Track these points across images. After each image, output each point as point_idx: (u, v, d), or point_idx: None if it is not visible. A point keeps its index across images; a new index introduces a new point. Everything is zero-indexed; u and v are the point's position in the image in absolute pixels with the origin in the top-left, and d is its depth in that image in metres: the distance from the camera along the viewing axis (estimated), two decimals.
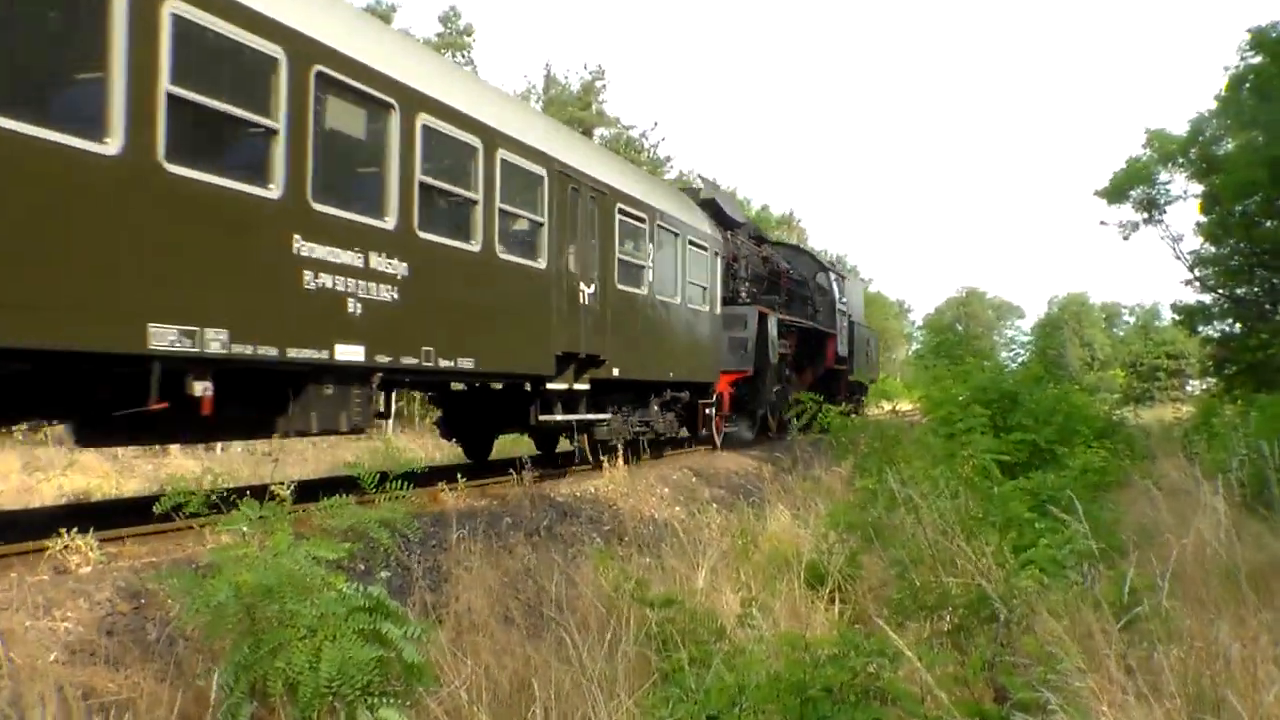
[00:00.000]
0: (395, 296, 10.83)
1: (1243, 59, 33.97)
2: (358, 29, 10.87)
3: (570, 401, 15.81)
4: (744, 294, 24.03)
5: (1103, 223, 45.83)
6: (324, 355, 9.81)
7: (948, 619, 7.16)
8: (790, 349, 26.14)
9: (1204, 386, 53.35)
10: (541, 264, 14.16)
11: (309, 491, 9.58)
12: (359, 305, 10.26)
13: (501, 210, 13.08)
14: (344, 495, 6.32)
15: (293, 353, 9.43)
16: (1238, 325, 39.83)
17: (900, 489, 8.05)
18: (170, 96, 8.07)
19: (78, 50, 7.75)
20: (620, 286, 16.64)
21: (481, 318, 12.68)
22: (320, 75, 9.81)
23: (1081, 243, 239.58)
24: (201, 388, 8.62)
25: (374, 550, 8.83)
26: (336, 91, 10.11)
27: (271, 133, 9.25)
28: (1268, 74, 31.05)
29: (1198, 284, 41.10)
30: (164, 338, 8.06)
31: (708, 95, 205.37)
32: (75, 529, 8.20)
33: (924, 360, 53.08)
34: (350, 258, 10.18)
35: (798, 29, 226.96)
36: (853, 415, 10.51)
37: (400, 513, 6.28)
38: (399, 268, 10.93)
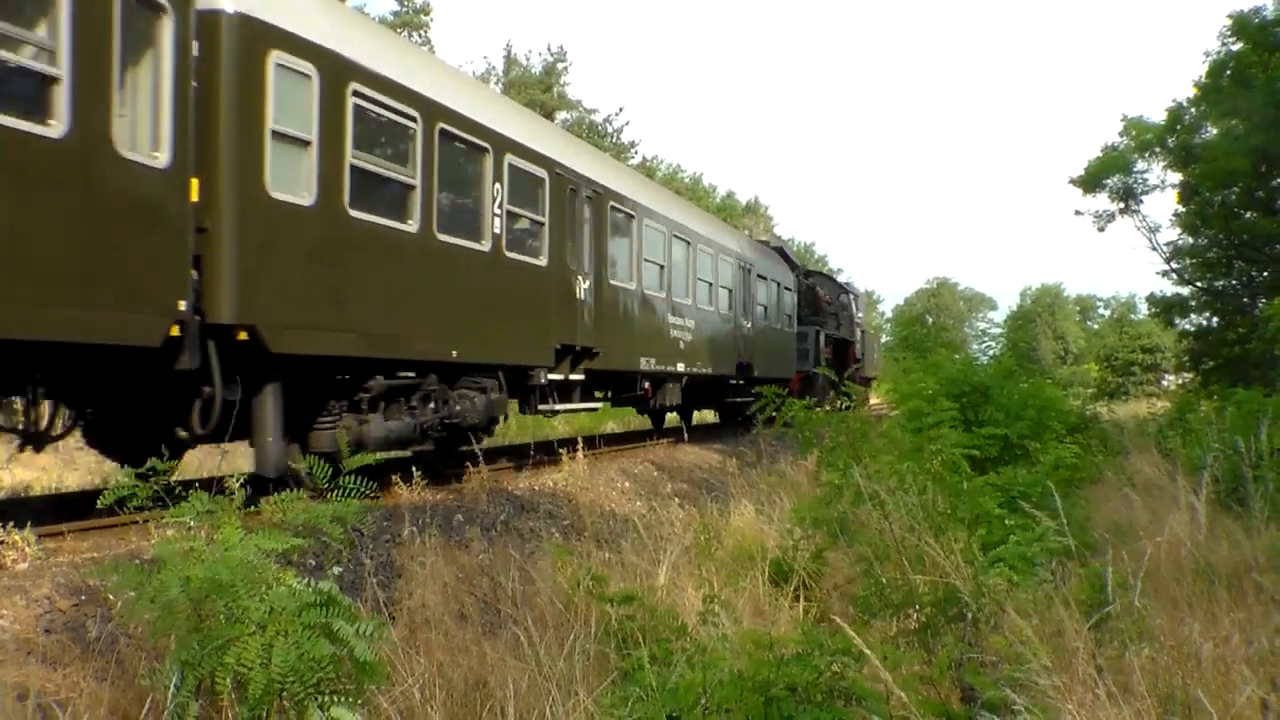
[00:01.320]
0: (690, 336, 18.54)
1: (1224, 45, 34.22)
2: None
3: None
4: (801, 316, 33.81)
5: (1078, 212, 45.80)
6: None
7: (914, 617, 7.23)
8: (829, 355, 35.59)
9: (1180, 381, 53.83)
10: (632, 286, 18.91)
11: (261, 485, 9.57)
12: (682, 342, 17.20)
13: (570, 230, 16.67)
14: (296, 490, 6.33)
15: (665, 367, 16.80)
16: (1215, 319, 40.12)
17: (867, 484, 8.12)
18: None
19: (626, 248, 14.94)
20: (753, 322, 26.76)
21: (534, 318, 15.47)
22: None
23: (1056, 233, 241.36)
24: (646, 384, 15.63)
25: (326, 545, 8.84)
26: (677, 239, 17.81)
27: (663, 266, 17.56)
28: (1249, 61, 31.22)
29: (1174, 276, 41.31)
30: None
31: (672, 78, 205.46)
32: (12, 524, 8.14)
33: (893, 353, 53.43)
34: (681, 321, 17.75)
35: (765, 9, 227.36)
36: (846, 407, 10.60)
37: (354, 508, 6.28)
38: (691, 324, 18.47)
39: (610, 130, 63.94)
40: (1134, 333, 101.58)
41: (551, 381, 16.05)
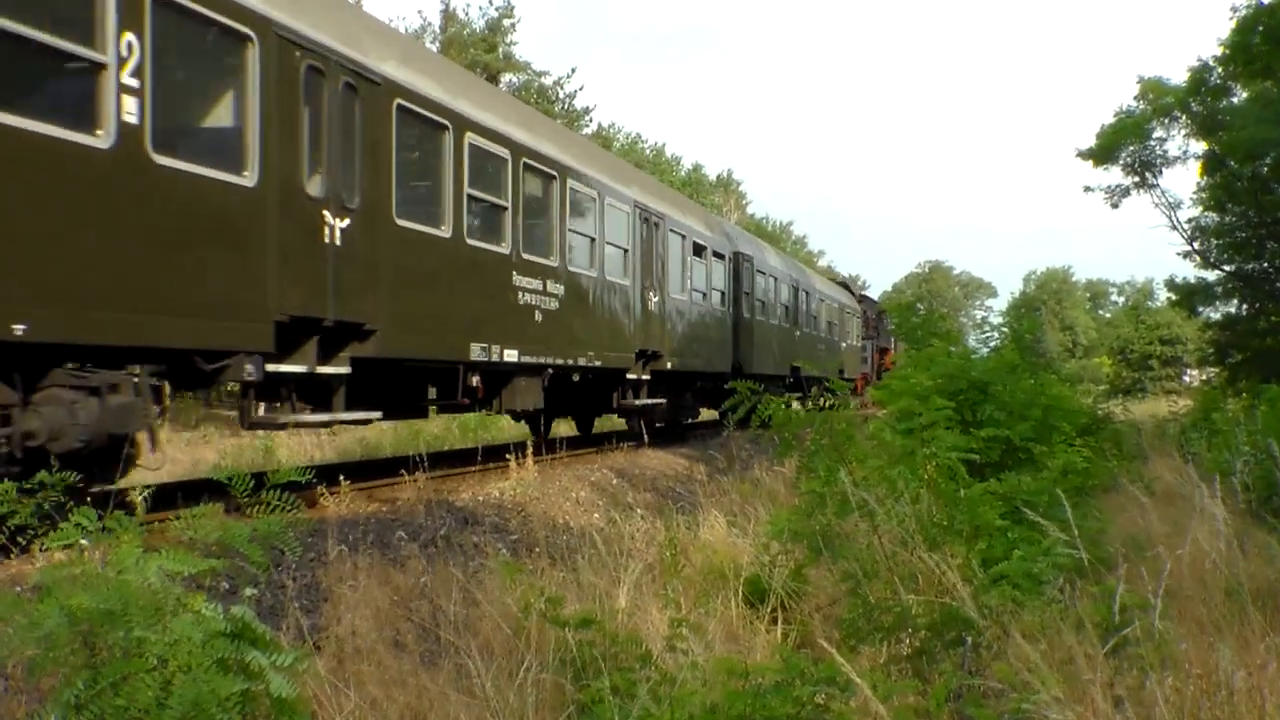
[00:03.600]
0: (556, 307, 18.01)
1: None
2: (537, 125, 18.81)
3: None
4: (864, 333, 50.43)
5: (1088, 188, 45.83)
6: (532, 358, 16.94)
7: (907, 642, 7.23)
8: (878, 360, 54.22)
9: (1204, 377, 54.17)
10: (683, 296, 24.00)
11: (167, 499, 9.47)
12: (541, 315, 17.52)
13: (608, 243, 20.38)
14: (210, 502, 6.24)
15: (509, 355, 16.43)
16: (1244, 306, 40.24)
17: (853, 491, 8.11)
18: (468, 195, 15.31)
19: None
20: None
21: (598, 324, 19.32)
22: (525, 164, 16.89)
23: (1064, 213, 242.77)
24: (476, 380, 15.72)
25: (241, 567, 8.74)
26: (530, 171, 17.21)
27: (504, 208, 16.40)
28: None
29: (1197, 258, 41.38)
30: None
31: (632, 38, 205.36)
32: None
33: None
34: (538, 284, 17.44)
35: None
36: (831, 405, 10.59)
37: (277, 526, 6.20)
38: (558, 290, 18.12)
39: (561, 95, 63.85)
40: (1151, 322, 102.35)
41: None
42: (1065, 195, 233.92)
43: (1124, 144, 41.31)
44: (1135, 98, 42.32)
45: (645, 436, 22.42)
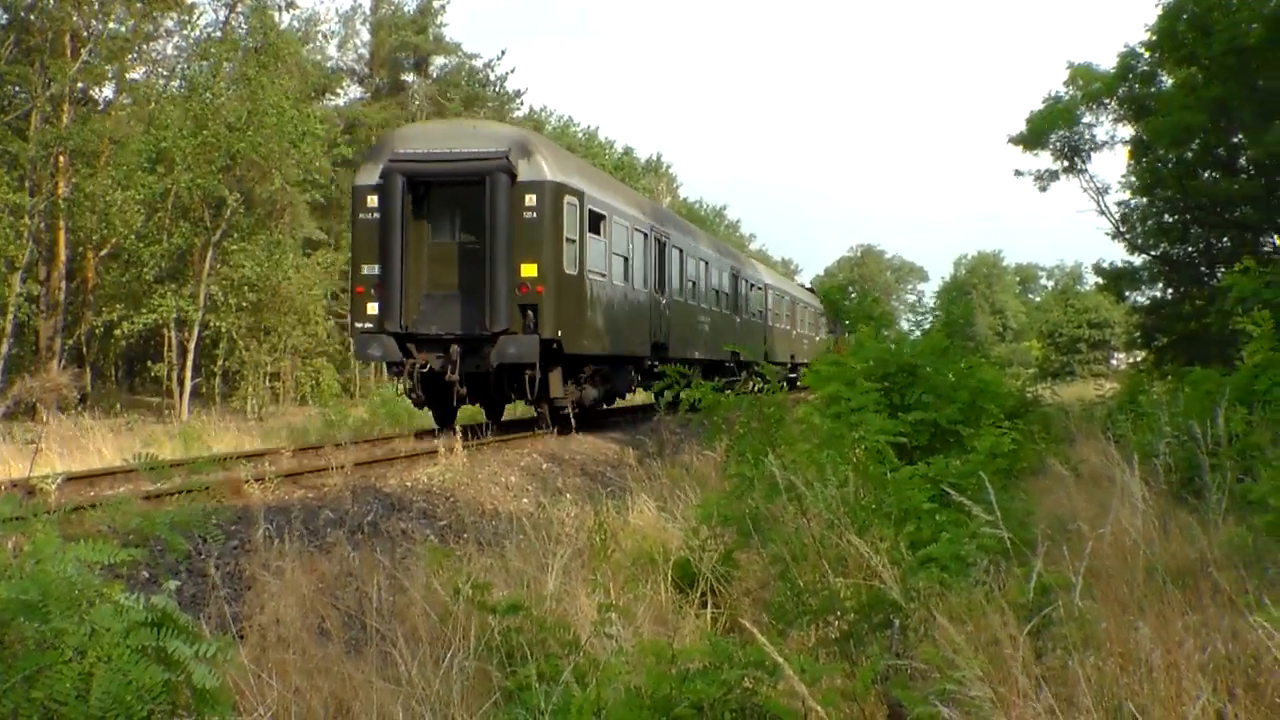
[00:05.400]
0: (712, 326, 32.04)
1: None
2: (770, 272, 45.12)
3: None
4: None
5: (1018, 172, 45.88)
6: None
7: (835, 625, 7.26)
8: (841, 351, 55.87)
9: (1131, 360, 54.79)
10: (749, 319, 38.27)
11: (84, 486, 9.36)
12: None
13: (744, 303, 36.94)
14: (128, 489, 6.17)
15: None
16: (1170, 290, 40.69)
17: (781, 475, 8.13)
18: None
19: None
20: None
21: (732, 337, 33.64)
22: (769, 288, 43.07)
23: (995, 198, 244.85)
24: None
25: (161, 555, 8.66)
26: (770, 291, 42.80)
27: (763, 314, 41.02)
28: (1209, 3, 31.38)
29: (1125, 243, 41.82)
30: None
31: (564, 22, 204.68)
32: None
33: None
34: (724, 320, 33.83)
35: None
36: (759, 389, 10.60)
37: (197, 512, 6.13)
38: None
39: (493, 79, 63.64)
40: (1080, 306, 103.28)
41: None
42: (996, 181, 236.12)
43: (1053, 129, 41.70)
44: (1065, 83, 42.73)
45: (552, 424, 21.86)
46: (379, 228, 20.32)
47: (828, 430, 10.24)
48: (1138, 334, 43.41)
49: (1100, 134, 42.25)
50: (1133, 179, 40.51)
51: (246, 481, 12.45)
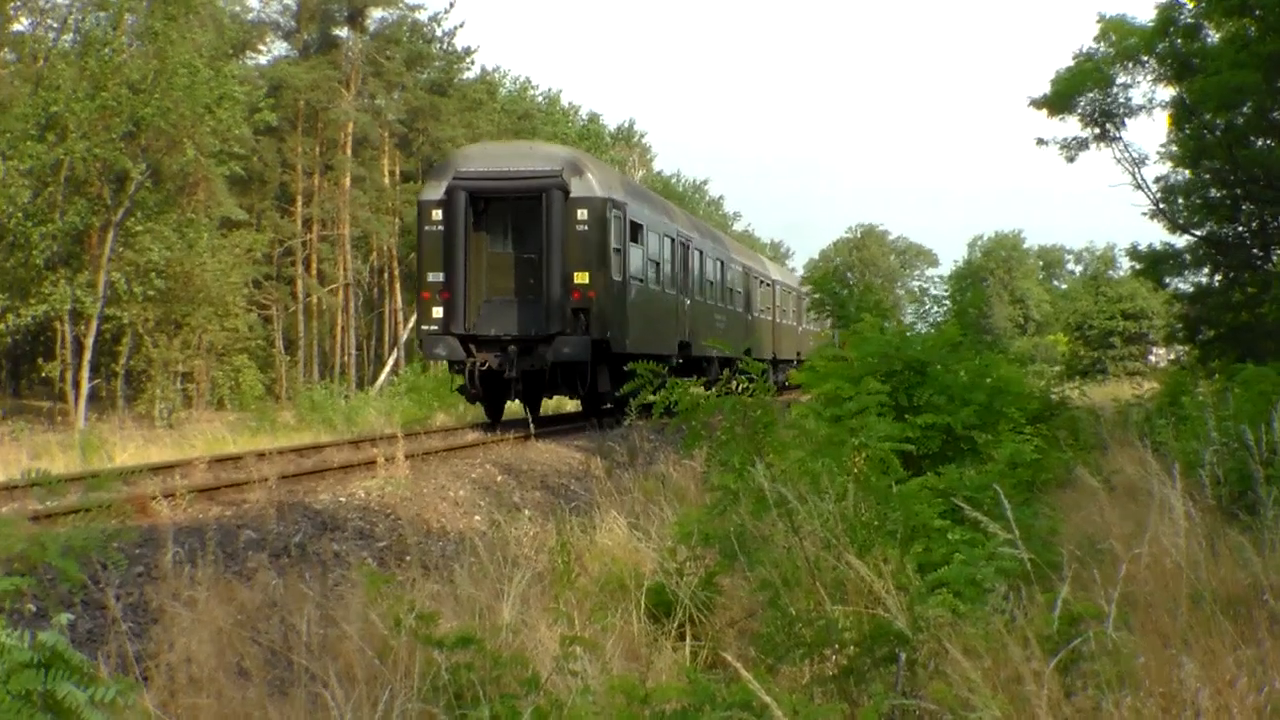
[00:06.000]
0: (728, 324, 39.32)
1: None
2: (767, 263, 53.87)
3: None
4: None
5: (1041, 141, 45.43)
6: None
7: (833, 659, 7.26)
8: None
9: (1172, 356, 54.92)
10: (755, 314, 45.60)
11: None
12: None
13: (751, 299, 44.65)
14: (12, 508, 6.14)
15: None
16: (1216, 276, 40.58)
17: (770, 487, 8.13)
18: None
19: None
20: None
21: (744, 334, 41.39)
22: (776, 284, 50.69)
23: (1015, 170, 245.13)
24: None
25: (52, 584, 8.62)
26: (778, 287, 50.73)
27: (768, 308, 48.52)
28: None
29: (1164, 221, 41.67)
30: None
31: None
32: None
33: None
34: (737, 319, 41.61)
35: None
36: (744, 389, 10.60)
37: (95, 535, 6.10)
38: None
39: (440, 35, 63.66)
40: (1113, 294, 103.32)
41: None
42: (1016, 151, 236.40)
43: (1082, 90, 41.26)
44: (1095, 39, 42.36)
45: (532, 426, 22.80)
46: (443, 239, 25.40)
47: (824, 435, 10.23)
48: (1180, 326, 43.38)
49: (1136, 96, 41.86)
50: (1174, 148, 40.46)
51: (154, 498, 12.43)
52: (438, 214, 25.61)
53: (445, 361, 27.61)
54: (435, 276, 25.46)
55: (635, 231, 28.48)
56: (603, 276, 25.69)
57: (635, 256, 28.53)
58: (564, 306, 24.93)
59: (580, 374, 25.61)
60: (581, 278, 25.27)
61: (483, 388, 25.45)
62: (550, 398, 30.18)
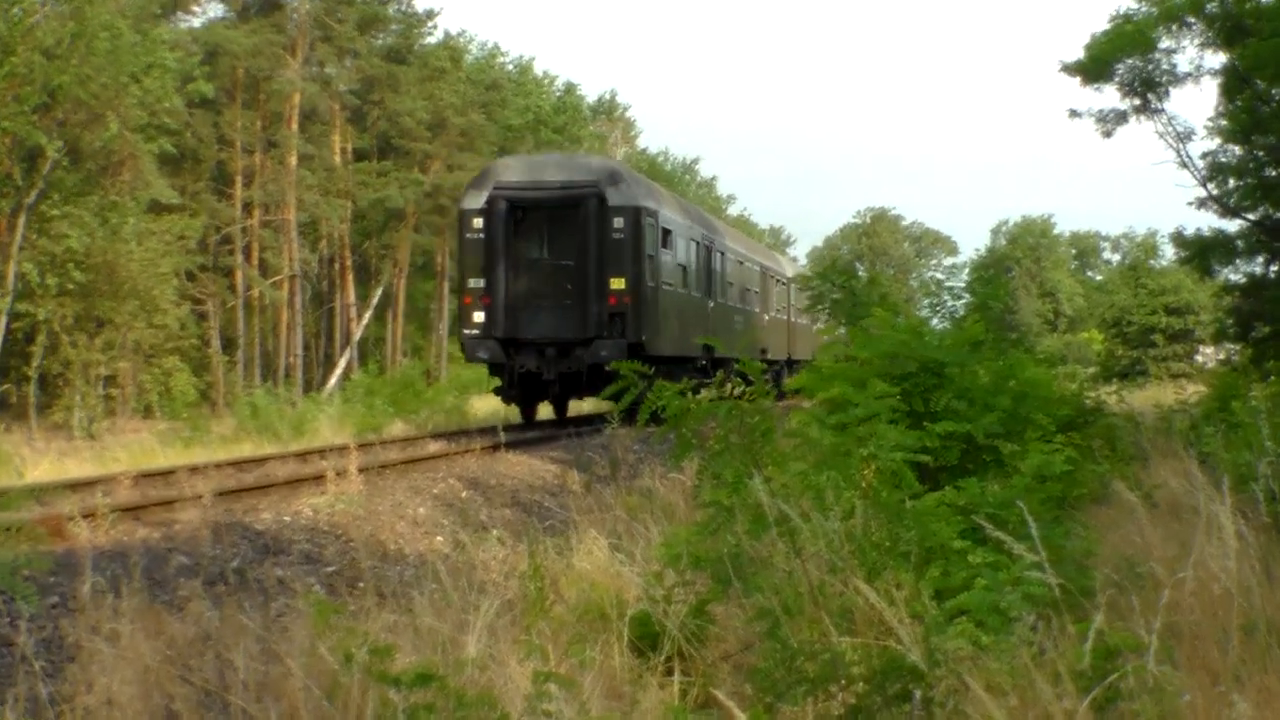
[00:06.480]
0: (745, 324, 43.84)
1: None
2: (775, 257, 58.16)
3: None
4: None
5: (1075, 113, 45.24)
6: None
7: (839, 697, 7.28)
8: None
9: (1221, 356, 55.04)
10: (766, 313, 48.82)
11: None
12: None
13: (763, 297, 48.33)
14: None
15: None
16: (1273, 265, 40.55)
17: (770, 503, 8.14)
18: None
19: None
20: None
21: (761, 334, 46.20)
22: (791, 283, 53.21)
23: (1045, 146, 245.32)
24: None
25: None
26: (794, 286, 52.80)
27: (784, 308, 52.42)
28: None
29: (1214, 204, 41.59)
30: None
31: None
32: None
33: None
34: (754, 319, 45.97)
35: None
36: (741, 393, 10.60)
37: (2, 561, 6.09)
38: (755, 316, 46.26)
39: None
40: (1155, 287, 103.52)
41: None
42: (1047, 124, 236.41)
43: (1121, 56, 41.07)
44: None
45: (502, 435, 23.00)
46: (484, 247, 29.96)
47: (829, 445, 10.24)
48: (1230, 322, 43.36)
49: (1182, 63, 41.69)
50: (1224, 121, 40.36)
51: (71, 519, 12.42)
52: (479, 222, 30.03)
53: (485, 364, 31.60)
54: (476, 282, 29.94)
55: (665, 237, 32.84)
56: (637, 282, 29.95)
57: (666, 261, 32.97)
58: (601, 311, 29.36)
59: (616, 375, 28.29)
60: (617, 283, 29.55)
61: (521, 389, 30.30)
62: (583, 399, 34.08)
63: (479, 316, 29.78)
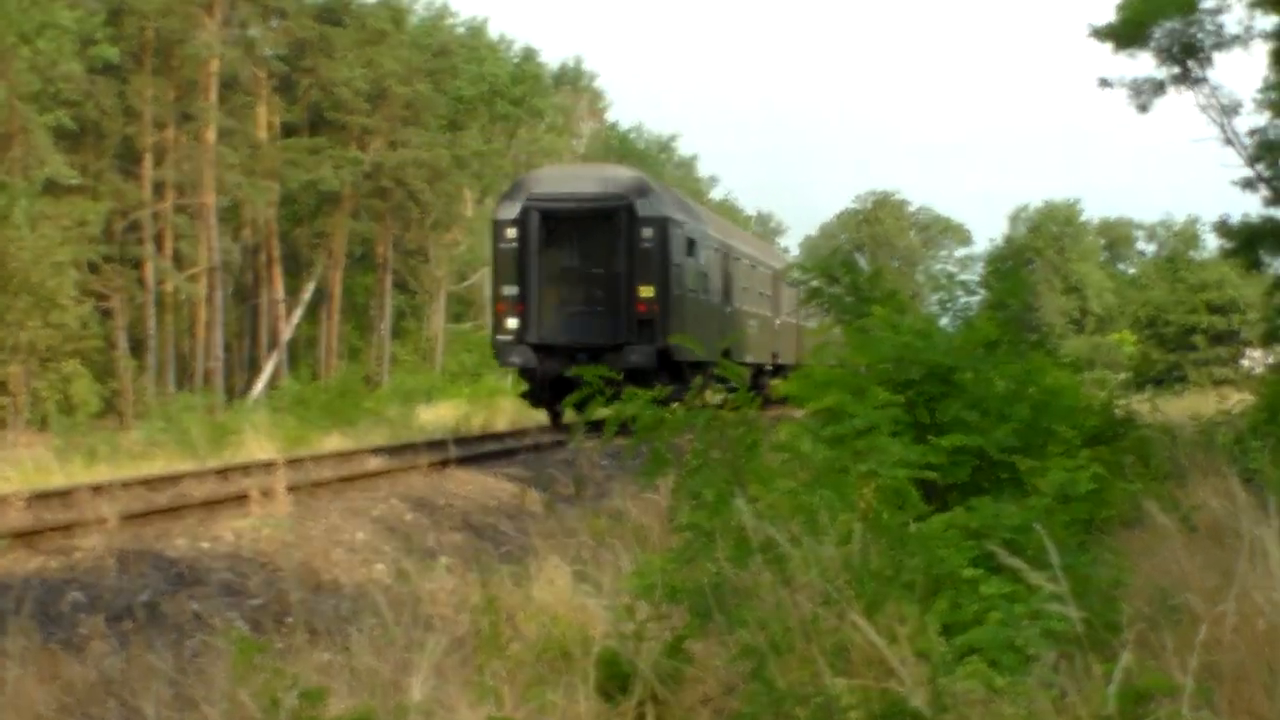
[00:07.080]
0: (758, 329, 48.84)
1: None
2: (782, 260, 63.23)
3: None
4: None
5: (1105, 82, 45.10)
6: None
7: None
8: None
9: (1270, 360, 55.20)
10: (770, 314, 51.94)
11: None
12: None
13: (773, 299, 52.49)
14: None
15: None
16: None
17: (755, 526, 8.18)
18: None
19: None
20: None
21: (772, 338, 50.94)
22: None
23: (1070, 121, 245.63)
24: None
25: None
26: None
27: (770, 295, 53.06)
28: None
29: (1263, 186, 41.58)
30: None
31: None
32: None
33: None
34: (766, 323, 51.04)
35: None
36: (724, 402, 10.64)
37: None
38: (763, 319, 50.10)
39: None
40: (1195, 281, 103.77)
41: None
42: (1073, 96, 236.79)
43: (1159, 17, 40.77)
44: None
45: (452, 449, 23.29)
46: (517, 256, 34.02)
47: (823, 461, 10.28)
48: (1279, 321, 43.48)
49: (1229, 24, 41.33)
50: (1274, 93, 40.39)
51: None
52: (512, 232, 34.12)
53: (516, 369, 36.12)
54: (510, 290, 34.11)
55: (690, 246, 37.33)
56: (664, 289, 34.39)
57: (690, 269, 37.34)
58: (630, 317, 33.75)
59: (645, 380, 29.81)
60: (646, 291, 33.94)
61: (549, 394, 33.51)
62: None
63: (512, 323, 33.84)
